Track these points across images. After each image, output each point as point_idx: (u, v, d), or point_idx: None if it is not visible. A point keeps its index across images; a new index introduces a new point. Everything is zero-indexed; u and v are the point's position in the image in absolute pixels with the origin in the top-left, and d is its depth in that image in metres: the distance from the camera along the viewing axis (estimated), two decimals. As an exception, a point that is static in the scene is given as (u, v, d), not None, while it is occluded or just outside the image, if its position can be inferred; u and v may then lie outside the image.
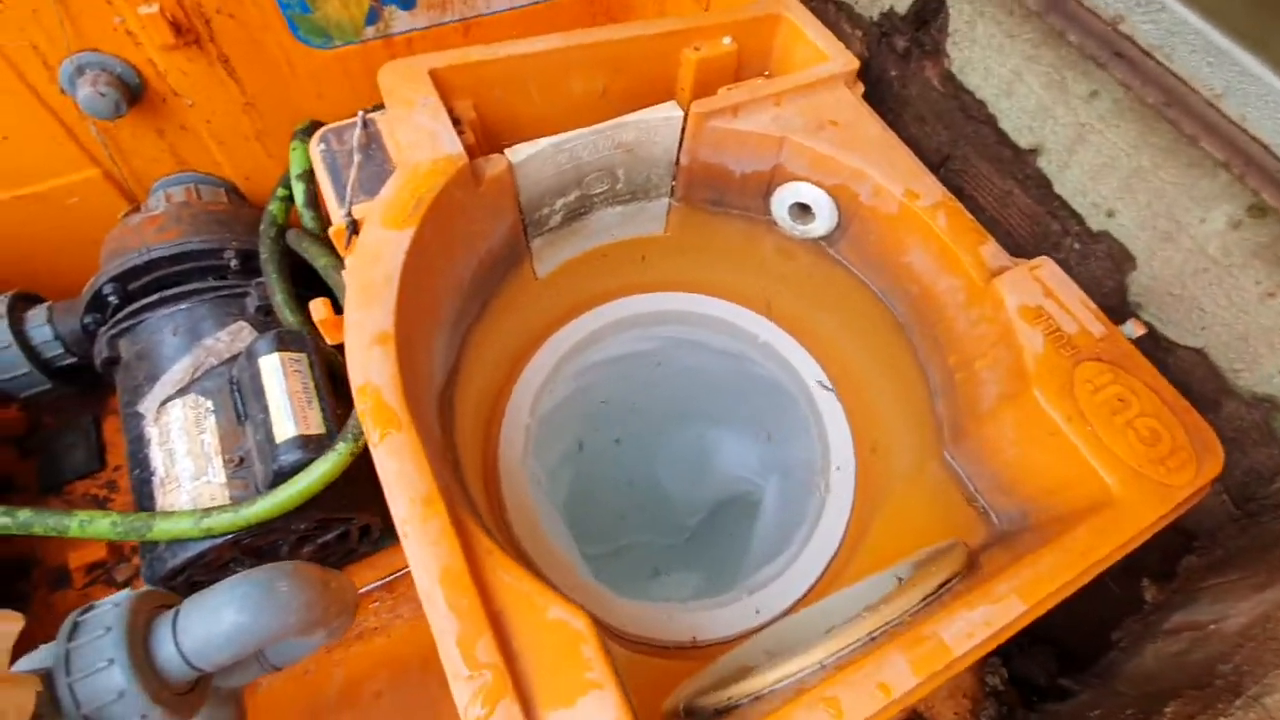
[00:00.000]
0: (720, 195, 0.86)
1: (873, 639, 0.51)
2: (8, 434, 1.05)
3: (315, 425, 0.74)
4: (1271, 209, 0.59)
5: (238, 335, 0.84)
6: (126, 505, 0.98)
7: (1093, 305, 0.65)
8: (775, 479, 1.09)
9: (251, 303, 0.87)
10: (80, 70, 0.85)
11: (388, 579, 0.98)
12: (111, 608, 0.44)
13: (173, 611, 0.45)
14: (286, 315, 0.85)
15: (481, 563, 0.46)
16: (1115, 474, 0.54)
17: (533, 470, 0.88)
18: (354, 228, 0.58)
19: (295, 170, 0.93)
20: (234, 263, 0.88)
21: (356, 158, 0.64)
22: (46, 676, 0.40)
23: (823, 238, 0.84)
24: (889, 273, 0.79)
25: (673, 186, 0.86)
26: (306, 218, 0.93)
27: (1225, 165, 0.60)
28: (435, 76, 0.67)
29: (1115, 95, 0.71)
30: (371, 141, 0.68)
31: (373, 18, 1.00)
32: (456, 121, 0.69)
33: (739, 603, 0.78)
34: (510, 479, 0.81)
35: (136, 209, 1.03)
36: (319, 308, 0.63)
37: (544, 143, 0.70)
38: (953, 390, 0.73)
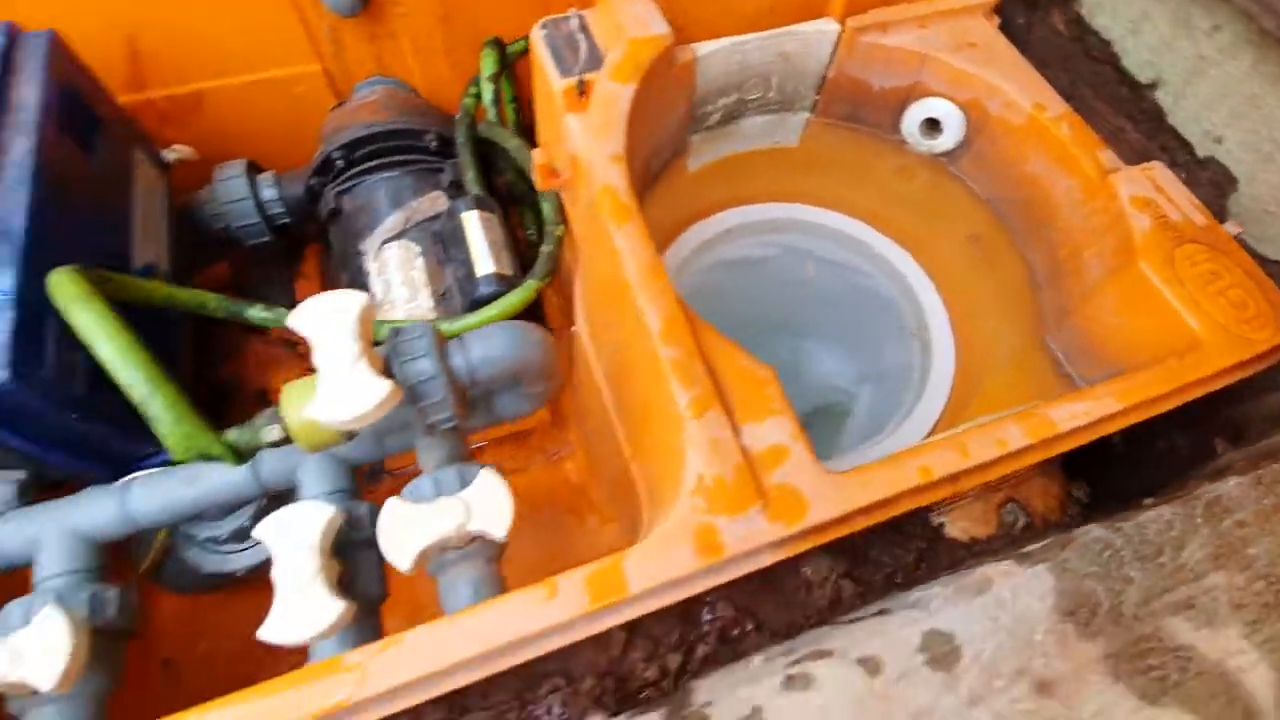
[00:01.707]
0: (856, 110, 0.98)
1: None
2: (217, 285, 1.25)
3: (508, 268, 0.90)
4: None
5: (435, 201, 1.01)
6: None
7: (1197, 202, 0.74)
8: (868, 387, 1.20)
9: (445, 178, 1.04)
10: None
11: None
12: (419, 327, 0.60)
13: (459, 338, 0.61)
14: (475, 188, 1.01)
15: (689, 317, 0.60)
16: (1204, 325, 0.64)
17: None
18: (582, 87, 0.73)
19: (486, 73, 1.09)
20: (433, 144, 1.05)
21: (580, 38, 0.79)
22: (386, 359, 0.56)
23: (945, 153, 0.95)
24: (1008, 181, 0.89)
25: (814, 101, 0.98)
26: (491, 112, 1.09)
27: (1333, 81, 0.68)
28: (642, -22, 0.81)
29: (1235, 28, 0.80)
30: (581, 30, 0.82)
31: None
32: (653, 18, 0.83)
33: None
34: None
35: (341, 104, 1.22)
36: (540, 154, 0.78)
37: (725, 42, 0.84)
38: (1059, 279, 0.83)
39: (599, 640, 0.56)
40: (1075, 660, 0.39)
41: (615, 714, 0.52)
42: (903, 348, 1.06)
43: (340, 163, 1.03)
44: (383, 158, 1.03)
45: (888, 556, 0.62)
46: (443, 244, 0.96)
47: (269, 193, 1.08)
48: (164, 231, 0.94)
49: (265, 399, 1.11)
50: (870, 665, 0.41)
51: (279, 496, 0.74)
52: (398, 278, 0.93)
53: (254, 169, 1.11)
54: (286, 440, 0.57)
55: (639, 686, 0.54)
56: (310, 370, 1.17)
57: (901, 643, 0.42)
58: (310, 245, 1.27)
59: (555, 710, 0.54)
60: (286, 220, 1.11)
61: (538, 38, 0.83)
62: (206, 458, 0.57)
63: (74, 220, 0.75)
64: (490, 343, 0.60)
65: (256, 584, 0.90)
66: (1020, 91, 0.84)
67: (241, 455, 0.58)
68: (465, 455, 0.68)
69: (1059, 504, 0.65)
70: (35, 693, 0.52)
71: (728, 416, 0.55)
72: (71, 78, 0.85)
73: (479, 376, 0.60)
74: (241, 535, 0.69)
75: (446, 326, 0.84)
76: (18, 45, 0.81)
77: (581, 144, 0.70)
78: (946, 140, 0.93)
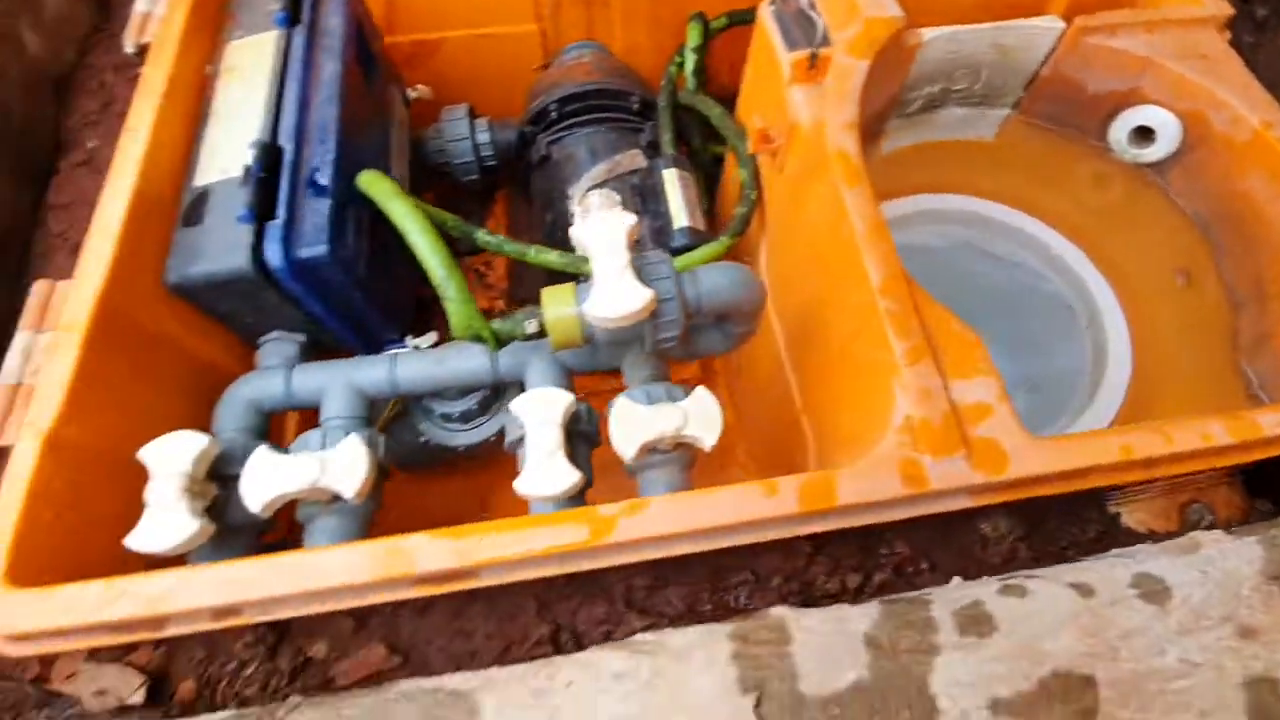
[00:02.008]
0: (1062, 111, 0.98)
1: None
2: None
3: (700, 223, 0.98)
4: None
5: (634, 158, 1.09)
6: (499, 279, 1.30)
7: None
8: (1022, 393, 1.20)
9: (643, 138, 1.12)
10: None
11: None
12: (660, 253, 0.68)
13: (690, 271, 0.69)
14: (670, 149, 1.09)
15: (907, 277, 0.65)
16: None
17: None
18: (813, 59, 0.79)
19: (691, 44, 1.17)
20: (635, 106, 1.14)
21: (811, 15, 0.85)
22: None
23: (1153, 163, 0.94)
24: (1219, 197, 0.88)
25: (1020, 98, 0.99)
26: (691, 81, 1.17)
27: None
28: (877, -36, 0.85)
29: None
30: (810, 8, 0.88)
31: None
32: (880, 3, 0.88)
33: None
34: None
35: (548, 64, 1.33)
36: (760, 119, 0.84)
37: (948, 30, 0.87)
38: (1265, 301, 0.81)
39: (787, 549, 0.63)
40: (1279, 615, 0.42)
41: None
42: (1071, 355, 1.06)
43: (554, 114, 1.13)
44: (591, 114, 1.13)
45: (1064, 533, 0.65)
46: (640, 197, 1.05)
47: (483, 136, 1.21)
48: (406, 158, 1.08)
49: (454, 318, 1.24)
50: (1082, 589, 0.45)
51: (499, 391, 0.85)
52: (598, 221, 1.02)
53: (472, 113, 1.24)
54: (539, 335, 0.67)
55: (821, 595, 0.61)
56: (496, 298, 1.28)
57: (1112, 578, 0.46)
58: (500, 190, 1.40)
59: (743, 599, 0.61)
60: (493, 163, 1.23)
61: (766, 14, 0.89)
62: (476, 337, 0.68)
63: (361, 135, 0.88)
64: (718, 278, 0.68)
65: (449, 470, 1.04)
66: (1249, 107, 0.82)
67: (500, 341, 0.69)
68: (667, 376, 0.76)
69: (1243, 515, 0.66)
70: (332, 500, 0.64)
71: (938, 370, 0.60)
72: (360, 15, 0.99)
73: (703, 306, 0.67)
74: (468, 417, 0.81)
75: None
76: (322, -17, 0.95)
77: (808, 113, 0.76)
78: (1157, 150, 0.92)
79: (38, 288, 0.65)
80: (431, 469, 1.05)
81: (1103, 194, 1.00)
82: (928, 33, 0.86)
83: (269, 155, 0.74)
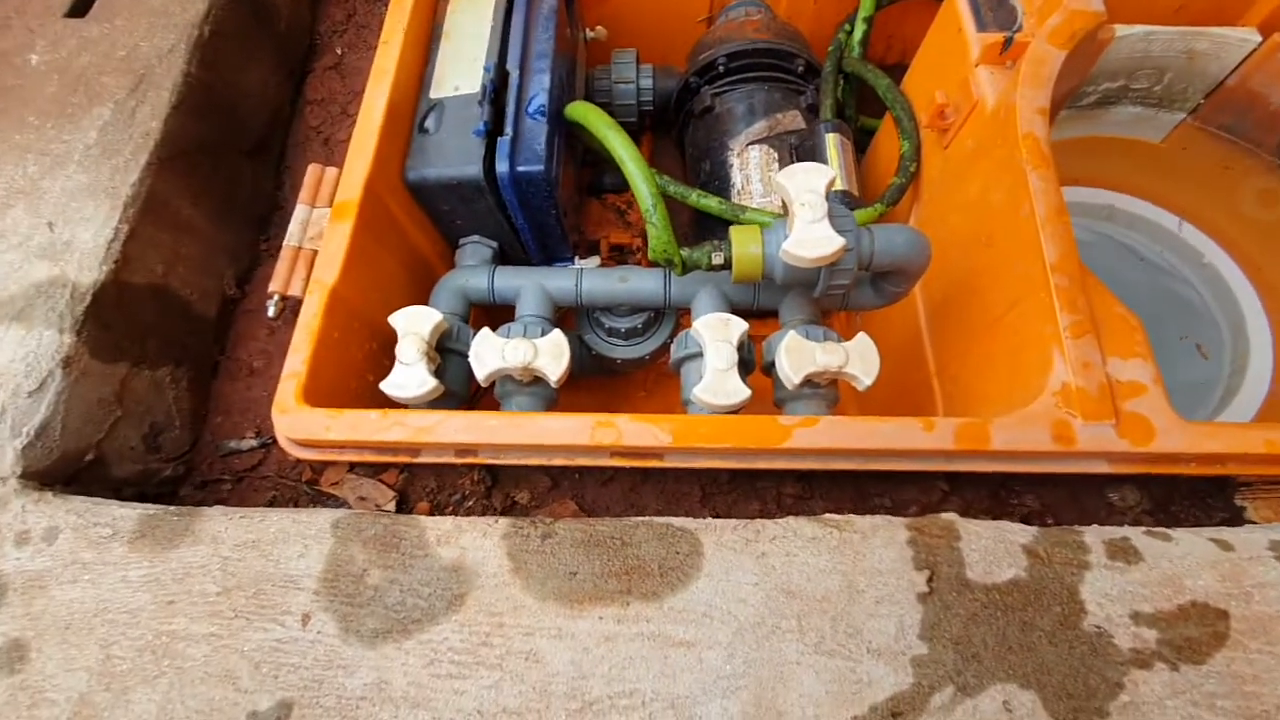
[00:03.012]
0: (1239, 123, 0.98)
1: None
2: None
3: (855, 189, 1.03)
4: None
5: (794, 119, 1.15)
6: (638, 219, 1.39)
7: None
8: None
9: (804, 100, 1.17)
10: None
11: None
12: (844, 208, 0.75)
13: (867, 226, 0.75)
14: (829, 114, 1.14)
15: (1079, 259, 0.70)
16: None
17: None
18: (1008, 43, 0.82)
19: (863, 14, 1.20)
20: (799, 69, 1.19)
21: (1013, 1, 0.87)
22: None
23: (1330, 185, 0.93)
24: (1399, 227, 0.87)
25: (1199, 105, 0.99)
26: (857, 50, 1.20)
27: None
28: (1084, -46, 0.87)
29: None
30: (1005, -8, 0.90)
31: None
32: (1077, -7, 0.89)
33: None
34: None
35: (709, 20, 1.38)
36: (941, 95, 0.89)
37: (1141, 29, 0.88)
38: None
39: (924, 486, 0.70)
40: None
41: (936, 537, 0.65)
42: (1200, 366, 1.07)
43: (721, 68, 1.19)
44: (757, 71, 1.18)
45: (1188, 515, 0.70)
46: (797, 157, 1.10)
47: (645, 81, 1.28)
48: (582, 94, 1.16)
49: (596, 248, 1.34)
50: (1221, 544, 0.51)
51: (659, 317, 0.94)
52: (756, 175, 1.09)
53: (638, 59, 1.30)
54: (722, 267, 0.75)
55: (952, 528, 0.68)
56: (635, 236, 1.37)
57: (1251, 540, 0.52)
58: (645, 135, 1.47)
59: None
60: (649, 108, 1.30)
61: (961, -8, 0.92)
62: (668, 261, 0.76)
63: (563, 67, 0.97)
64: (894, 236, 0.74)
65: (585, 383, 1.15)
66: None
67: (685, 268, 0.77)
68: (820, 321, 0.83)
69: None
70: (532, 381, 0.75)
71: (1099, 347, 0.65)
72: (566, -44, 1.06)
73: (874, 261, 0.74)
74: (630, 334, 0.90)
75: (799, 224, 0.99)
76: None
77: (994, 94, 0.80)
78: (1339, 172, 0.91)
79: (312, 170, 0.78)
80: (576, 379, 1.16)
81: (1268, 209, 1.00)
82: (1121, 29, 0.88)
83: (500, 78, 0.83)
